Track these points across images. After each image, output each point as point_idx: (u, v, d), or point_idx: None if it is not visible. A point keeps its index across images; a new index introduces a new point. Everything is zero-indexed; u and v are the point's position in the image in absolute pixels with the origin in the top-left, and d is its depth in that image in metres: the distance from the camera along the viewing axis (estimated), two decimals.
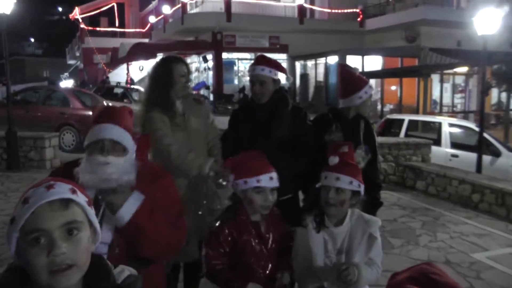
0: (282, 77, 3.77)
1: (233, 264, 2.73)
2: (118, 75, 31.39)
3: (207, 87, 27.21)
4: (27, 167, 11.29)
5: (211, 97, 26.33)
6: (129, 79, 29.05)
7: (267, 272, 2.76)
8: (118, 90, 22.21)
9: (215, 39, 27.37)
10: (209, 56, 28.68)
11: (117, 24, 43.06)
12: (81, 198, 1.36)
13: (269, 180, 2.75)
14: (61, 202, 1.31)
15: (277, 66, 3.74)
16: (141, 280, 1.47)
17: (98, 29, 40.25)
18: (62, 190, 1.33)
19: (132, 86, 24.64)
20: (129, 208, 2.16)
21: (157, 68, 3.73)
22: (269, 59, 3.76)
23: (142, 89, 24.05)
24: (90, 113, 14.67)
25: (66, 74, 40.45)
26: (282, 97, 3.76)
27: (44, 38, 64.78)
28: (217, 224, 2.81)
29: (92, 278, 1.37)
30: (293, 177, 3.54)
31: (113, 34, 40.30)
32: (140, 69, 31.17)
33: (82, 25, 38.43)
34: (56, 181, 1.35)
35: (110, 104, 16.71)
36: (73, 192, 1.35)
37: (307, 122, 3.81)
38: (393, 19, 25.90)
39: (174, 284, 3.82)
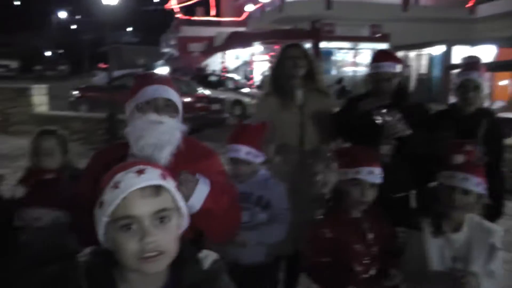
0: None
1: (331, 262, 2.63)
2: (212, 64, 32.09)
3: None
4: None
5: None
6: (224, 67, 29.54)
7: (368, 273, 2.63)
8: (212, 78, 22.69)
9: (313, 27, 27.13)
10: (307, 46, 28.47)
11: (212, 13, 43.92)
12: (170, 183, 1.38)
13: (369, 174, 2.61)
14: (152, 188, 1.32)
15: (399, 59, 3.69)
16: (224, 265, 1.48)
17: (193, 18, 41.25)
18: (153, 176, 1.34)
19: (227, 75, 25.08)
20: (199, 196, 2.09)
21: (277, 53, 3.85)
22: (392, 53, 3.73)
23: (237, 77, 24.65)
24: (186, 99, 15.22)
25: (161, 61, 41.90)
26: (403, 94, 3.71)
27: (140, 27, 67.48)
28: (318, 217, 2.76)
29: (179, 263, 1.39)
30: (409, 175, 3.43)
31: (209, 23, 41.13)
32: (236, 58, 31.62)
33: (178, 15, 39.54)
34: (146, 166, 1.36)
35: (204, 91, 17.15)
36: (163, 177, 1.36)
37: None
38: (509, 4, 24.35)
39: (275, 276, 3.75)
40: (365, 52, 29.26)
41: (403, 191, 3.46)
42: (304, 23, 27.60)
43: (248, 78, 29.58)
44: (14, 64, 33.56)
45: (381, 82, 3.58)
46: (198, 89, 16.88)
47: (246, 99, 21.00)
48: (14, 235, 2.18)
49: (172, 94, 2.21)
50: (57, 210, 2.25)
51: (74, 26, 63.24)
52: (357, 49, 29.31)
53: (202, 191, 2.10)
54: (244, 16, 38.46)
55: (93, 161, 2.25)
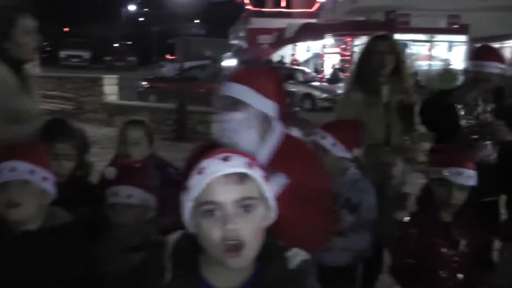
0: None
1: (417, 264, 2.54)
2: (282, 56, 32.07)
3: None
4: (194, 139, 12.09)
5: None
6: (294, 59, 29.46)
7: (456, 282, 2.51)
8: (282, 71, 22.66)
9: (387, 18, 26.56)
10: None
11: (283, 5, 43.89)
12: (257, 172, 1.36)
13: (457, 174, 2.46)
14: (237, 176, 1.32)
15: (503, 59, 3.50)
16: (315, 267, 1.46)
17: (264, 10, 41.38)
18: (239, 163, 1.33)
19: (297, 67, 24.99)
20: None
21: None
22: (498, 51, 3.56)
23: (307, 70, 24.53)
24: None
25: (229, 53, 42.29)
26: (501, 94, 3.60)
27: (207, 19, 68.42)
28: (405, 218, 2.68)
29: (263, 258, 1.38)
30: (499, 177, 3.22)
31: (279, 15, 41.14)
32: (307, 50, 31.49)
33: (249, 6, 39.77)
34: (233, 154, 1.36)
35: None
36: (250, 166, 1.35)
37: None
38: None
39: (355, 277, 3.64)
40: (442, 45, 28.40)
41: (492, 195, 3.28)
42: (378, 14, 27.06)
43: (319, 71, 29.38)
44: (86, 54, 35.08)
45: (481, 83, 3.39)
46: None
47: (317, 93, 20.86)
48: (105, 215, 2.27)
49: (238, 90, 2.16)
50: (146, 192, 2.30)
51: (142, 19, 64.97)
52: (433, 41, 28.47)
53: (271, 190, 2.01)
54: (315, 7, 38.17)
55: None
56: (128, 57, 35.80)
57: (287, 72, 22.44)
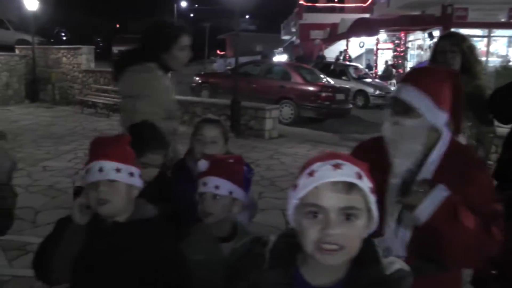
0: None
1: (499, 275, 2.48)
2: (334, 52, 31.82)
3: None
4: (247, 135, 12.43)
5: None
6: (347, 55, 29.13)
7: None
8: (335, 67, 22.50)
9: (444, 12, 25.91)
10: (436, 33, 27.28)
11: (336, 0, 43.57)
12: (365, 183, 1.38)
13: None
14: (345, 185, 1.34)
15: None
16: (411, 278, 1.44)
17: (316, 5, 41.16)
18: (349, 172, 1.36)
19: (350, 63, 24.70)
20: (426, 207, 1.93)
21: None
22: None
23: (360, 66, 24.26)
24: (310, 88, 15.24)
25: (280, 49, 42.25)
26: None
27: (258, 14, 68.59)
28: None
29: (358, 262, 1.40)
30: None
31: (332, 10, 40.88)
32: (360, 46, 31.12)
33: (301, 1, 39.62)
34: (344, 161, 1.38)
35: (328, 80, 16.94)
36: (359, 176, 1.36)
37: None
38: None
39: None
40: (500, 40, 27.51)
41: None
42: (434, 8, 26.43)
43: (371, 67, 28.99)
44: None
45: None
46: (322, 78, 16.77)
47: (370, 90, 20.61)
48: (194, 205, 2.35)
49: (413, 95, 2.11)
50: (235, 185, 2.36)
51: (192, 15, 65.64)
52: (491, 36, 27.60)
53: (431, 203, 1.94)
54: (369, 2, 37.71)
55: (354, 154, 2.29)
56: None
57: (340, 68, 22.28)
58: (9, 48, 22.73)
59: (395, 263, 1.45)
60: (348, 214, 1.34)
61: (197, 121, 3.01)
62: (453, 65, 3.57)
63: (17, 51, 21.15)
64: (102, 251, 1.92)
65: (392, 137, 2.10)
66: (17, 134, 11.74)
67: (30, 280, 4.54)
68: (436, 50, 3.67)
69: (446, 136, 2.12)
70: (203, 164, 2.29)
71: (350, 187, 1.35)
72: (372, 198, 1.40)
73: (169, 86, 3.48)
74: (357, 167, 1.39)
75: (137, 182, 2.00)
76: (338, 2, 43.21)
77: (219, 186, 2.28)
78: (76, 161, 9.56)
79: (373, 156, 1.88)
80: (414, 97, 2.07)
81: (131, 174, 1.96)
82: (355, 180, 1.35)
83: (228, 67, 28.02)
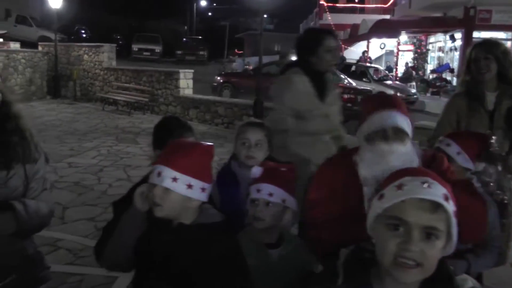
0: None
1: None
2: (354, 53, 31.66)
3: (451, 70, 25.81)
4: None
5: (455, 82, 24.84)
6: (367, 56, 28.98)
7: None
8: (355, 68, 22.40)
9: (467, 14, 25.60)
10: (457, 35, 27.05)
11: (356, 0, 43.36)
12: (450, 206, 1.38)
13: None
14: (432, 204, 1.35)
15: None
16: None
17: (337, 5, 40.99)
18: (437, 192, 1.37)
19: (370, 65, 24.59)
20: None
21: None
22: None
23: (380, 68, 24.06)
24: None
25: None
26: None
27: (276, 14, 68.58)
28: None
29: (431, 280, 1.40)
30: None
31: (352, 10, 40.70)
32: (381, 47, 30.94)
33: (322, 1, 39.49)
34: (433, 180, 1.39)
35: (350, 81, 16.87)
36: (446, 198, 1.37)
37: None
38: None
39: None
40: None
41: None
42: (456, 9, 26.14)
43: (391, 69, 28.82)
44: (158, 48, 35.71)
45: None
46: (344, 79, 16.68)
47: (390, 91, 20.47)
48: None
49: (401, 120, 2.18)
50: (288, 193, 2.37)
51: (211, 13, 65.71)
52: None
53: None
54: (390, 2, 37.47)
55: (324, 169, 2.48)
56: (199, 51, 36.15)
57: (361, 70, 22.18)
58: (32, 45, 23.07)
59: (467, 281, 1.50)
60: (429, 233, 1.36)
61: (240, 124, 3.00)
62: (488, 72, 3.55)
63: (40, 48, 21.45)
64: (166, 249, 1.94)
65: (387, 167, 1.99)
66: (41, 130, 11.88)
67: (62, 276, 4.60)
68: (470, 59, 3.64)
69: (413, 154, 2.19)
70: (256, 171, 2.29)
71: (436, 207, 1.36)
72: (454, 222, 1.41)
73: (306, 90, 3.68)
74: (444, 188, 1.40)
75: (196, 195, 1.94)
76: (358, 3, 43.03)
77: (273, 194, 2.30)
78: (100, 158, 9.66)
79: (344, 173, 2.07)
80: (403, 122, 2.16)
81: (189, 186, 1.90)
82: (442, 201, 1.37)
83: (247, 67, 28.04)
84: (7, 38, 22.19)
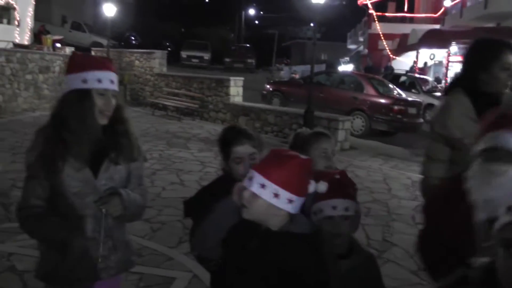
0: None
1: None
2: (402, 63, 31.30)
3: None
4: None
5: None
6: (417, 67, 28.61)
7: None
8: (405, 79, 22.13)
9: None
10: None
11: (405, 9, 42.86)
12: None
13: None
14: None
15: None
16: None
17: (386, 14, 40.59)
18: None
19: (419, 76, 24.27)
20: None
21: None
22: None
23: (429, 79, 23.59)
24: (383, 100, 15.07)
25: (346, 58, 41.87)
26: None
27: (324, 22, 68.50)
28: None
29: None
30: None
31: (402, 20, 40.23)
32: (430, 58, 30.49)
33: (371, 10, 39.19)
34: None
35: (400, 92, 16.67)
36: None
37: None
38: None
39: None
40: None
41: None
42: (510, 20, 25.55)
43: (440, 80, 28.35)
44: (207, 55, 36.17)
45: None
46: (394, 90, 16.55)
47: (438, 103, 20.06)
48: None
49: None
50: (355, 202, 2.38)
51: (258, 22, 66.03)
52: None
53: None
54: (440, 12, 36.88)
55: None
56: (247, 59, 36.43)
57: (410, 81, 21.90)
58: (85, 50, 23.78)
59: None
60: None
61: (308, 134, 2.94)
62: None
63: (93, 53, 21.97)
64: (250, 250, 2.00)
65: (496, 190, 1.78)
66: None
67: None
68: (496, 66, 3.05)
69: None
70: (323, 186, 2.15)
71: None
72: None
73: (465, 115, 3.05)
74: None
75: (282, 205, 1.93)
76: (408, 12, 42.49)
77: (349, 208, 2.31)
78: (152, 162, 9.81)
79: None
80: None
81: (276, 195, 1.91)
82: None
83: (293, 75, 28.06)
84: (63, 43, 22.98)
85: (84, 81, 2.45)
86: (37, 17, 25.27)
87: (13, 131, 12.48)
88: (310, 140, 2.85)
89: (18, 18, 23.05)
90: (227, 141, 2.59)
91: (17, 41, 21.93)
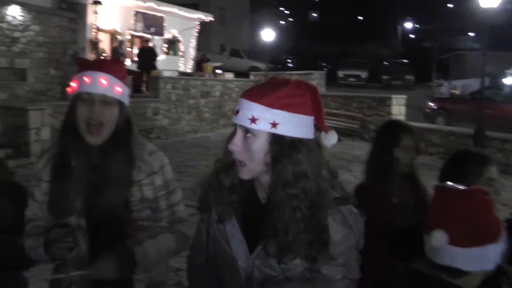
0: None
1: None
2: None
3: None
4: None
5: None
6: None
7: None
8: None
9: None
10: None
11: None
12: None
13: None
14: None
15: None
16: None
17: None
18: None
19: None
20: None
21: None
22: None
23: None
24: None
25: None
26: None
27: (485, 31, 64.91)
28: None
29: None
30: None
31: None
32: None
33: None
34: None
35: None
36: None
37: None
38: None
39: None
40: None
41: None
42: None
43: None
44: (364, 74, 35.68)
45: None
46: None
47: None
48: None
49: None
50: None
51: (413, 35, 63.99)
52: None
53: None
54: None
55: None
56: (405, 75, 35.21)
57: None
58: (243, 74, 25.15)
59: None
60: None
61: (483, 160, 2.39)
62: None
63: (251, 77, 23.51)
64: None
65: None
66: None
67: None
68: None
69: None
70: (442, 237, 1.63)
71: None
72: None
73: None
74: None
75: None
76: None
77: None
78: None
79: None
80: None
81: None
82: None
83: (453, 91, 26.54)
84: (223, 69, 24.37)
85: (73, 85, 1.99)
86: (198, 47, 27.49)
87: (177, 151, 13.66)
88: (479, 167, 2.35)
89: (182, 49, 25.40)
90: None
91: (181, 69, 24.02)
